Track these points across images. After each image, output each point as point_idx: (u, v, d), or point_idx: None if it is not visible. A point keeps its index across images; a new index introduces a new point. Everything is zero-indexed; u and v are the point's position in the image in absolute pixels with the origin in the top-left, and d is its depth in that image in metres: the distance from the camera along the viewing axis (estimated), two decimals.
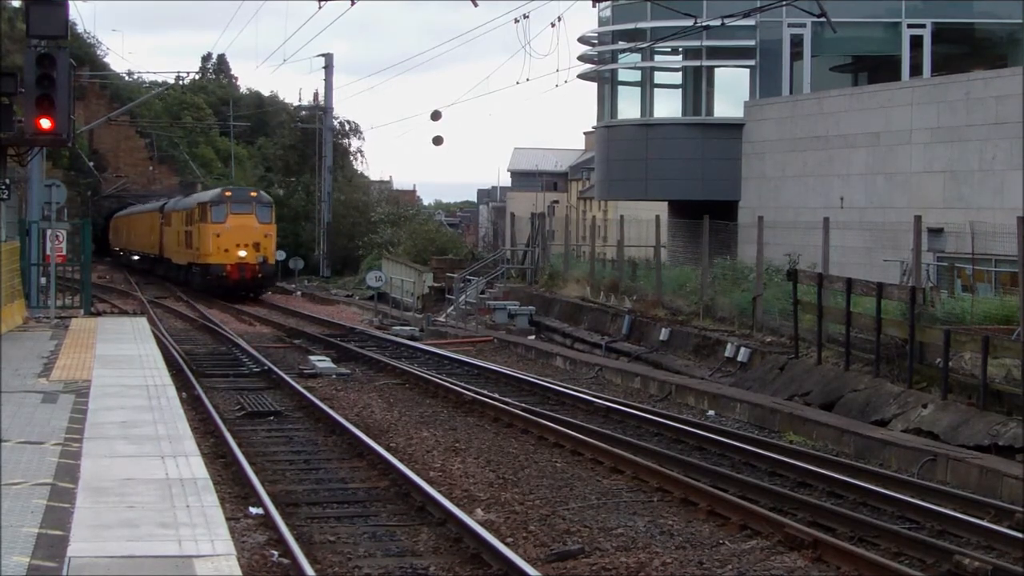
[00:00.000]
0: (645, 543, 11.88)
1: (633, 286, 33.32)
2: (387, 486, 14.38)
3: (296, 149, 78.17)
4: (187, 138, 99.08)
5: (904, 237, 25.94)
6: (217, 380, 23.67)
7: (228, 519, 10.09)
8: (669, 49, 43.23)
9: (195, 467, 11.18)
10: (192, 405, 19.50)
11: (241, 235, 48.04)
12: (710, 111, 42.53)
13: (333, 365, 24.97)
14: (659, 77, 44.90)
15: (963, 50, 41.32)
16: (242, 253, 47.61)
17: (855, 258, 30.91)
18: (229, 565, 8.03)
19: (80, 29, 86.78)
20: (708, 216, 30.43)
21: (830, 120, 36.65)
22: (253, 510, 12.72)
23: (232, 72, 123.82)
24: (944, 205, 31.40)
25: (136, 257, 72.10)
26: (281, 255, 57.80)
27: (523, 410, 19.14)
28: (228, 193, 49.93)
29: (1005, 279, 24.89)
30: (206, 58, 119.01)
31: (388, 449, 16.32)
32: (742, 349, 24.31)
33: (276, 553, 11.10)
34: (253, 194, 50.49)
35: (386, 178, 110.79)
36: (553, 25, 30.01)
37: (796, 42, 40.89)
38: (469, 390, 21.32)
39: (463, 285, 40.95)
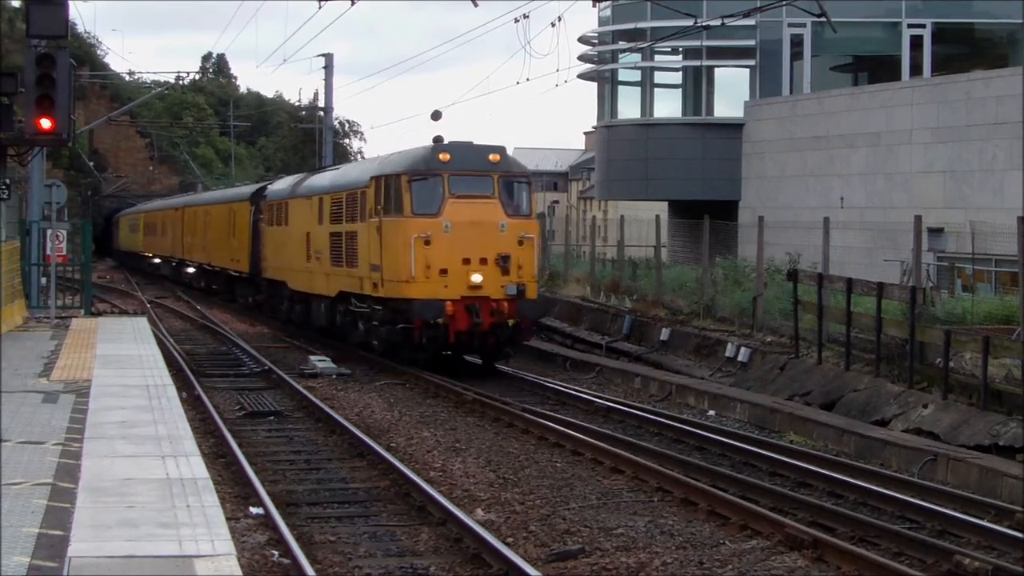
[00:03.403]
0: (645, 543, 11.87)
1: (633, 286, 33.32)
2: (387, 486, 14.37)
3: (296, 149, 78.10)
4: (187, 138, 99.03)
5: (904, 237, 25.95)
6: (217, 380, 23.66)
7: (228, 519, 10.10)
8: (669, 49, 43.27)
9: (195, 467, 11.18)
10: (192, 405, 19.49)
11: (474, 242, 23.56)
12: (710, 111, 42.55)
13: (333, 365, 24.97)
14: (659, 77, 44.92)
15: (963, 50, 41.34)
16: (476, 278, 23.31)
17: (855, 258, 30.92)
18: (229, 565, 8.03)
19: (80, 29, 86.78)
20: (708, 216, 30.44)
21: (830, 120, 36.66)
22: (253, 510, 12.71)
23: (232, 72, 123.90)
24: (944, 205, 31.42)
25: (191, 269, 50.47)
26: None
27: (523, 410, 19.12)
28: (444, 156, 23.79)
29: (1005, 279, 24.91)
30: (206, 58, 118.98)
31: (388, 449, 16.32)
32: (742, 349, 24.31)
33: (276, 553, 11.10)
34: (494, 158, 24.09)
35: None
36: (553, 25, 29.99)
37: (796, 42, 40.92)
38: (469, 390, 21.32)
39: None
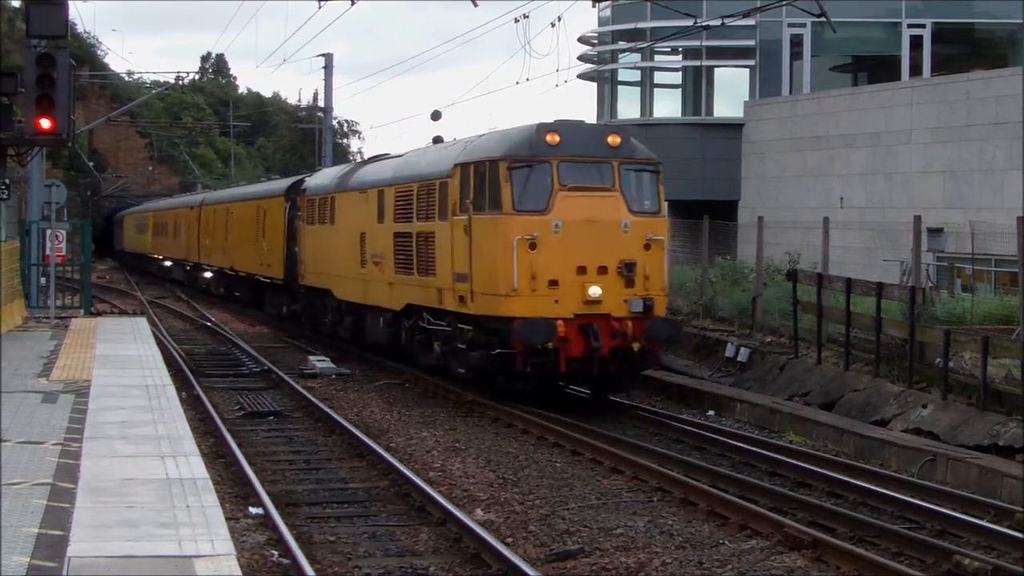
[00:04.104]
0: (645, 543, 11.87)
1: None
2: (387, 486, 14.38)
3: (295, 149, 78.12)
4: (187, 138, 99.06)
5: (904, 237, 25.95)
6: (217, 380, 23.66)
7: (228, 519, 10.10)
8: (669, 49, 43.28)
9: (195, 467, 11.19)
10: (192, 405, 19.50)
11: (591, 245, 19.15)
12: (710, 111, 42.58)
13: (333, 365, 24.96)
14: (659, 77, 44.94)
15: (963, 50, 41.35)
16: (594, 291, 19.05)
17: (855, 258, 30.93)
18: (229, 565, 8.03)
19: (80, 29, 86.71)
20: (708, 216, 30.44)
21: (830, 120, 36.66)
22: (253, 510, 12.72)
23: (231, 72, 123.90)
24: (944, 205, 31.42)
25: (209, 274, 46.47)
26: None
27: (522, 410, 19.11)
28: (553, 138, 19.32)
29: (1005, 279, 24.90)
30: (205, 58, 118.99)
31: (388, 449, 16.32)
32: (742, 349, 24.31)
33: (276, 553, 11.10)
34: (613, 140, 19.67)
35: None
36: (553, 25, 29.92)
37: (796, 42, 40.93)
38: (468, 390, 21.30)
39: None
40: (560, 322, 18.56)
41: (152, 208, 64.78)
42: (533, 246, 18.70)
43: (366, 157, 33.53)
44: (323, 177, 30.64)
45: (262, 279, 36.16)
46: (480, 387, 20.40)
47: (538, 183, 19.00)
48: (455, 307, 20.20)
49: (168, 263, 56.78)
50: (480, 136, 21.17)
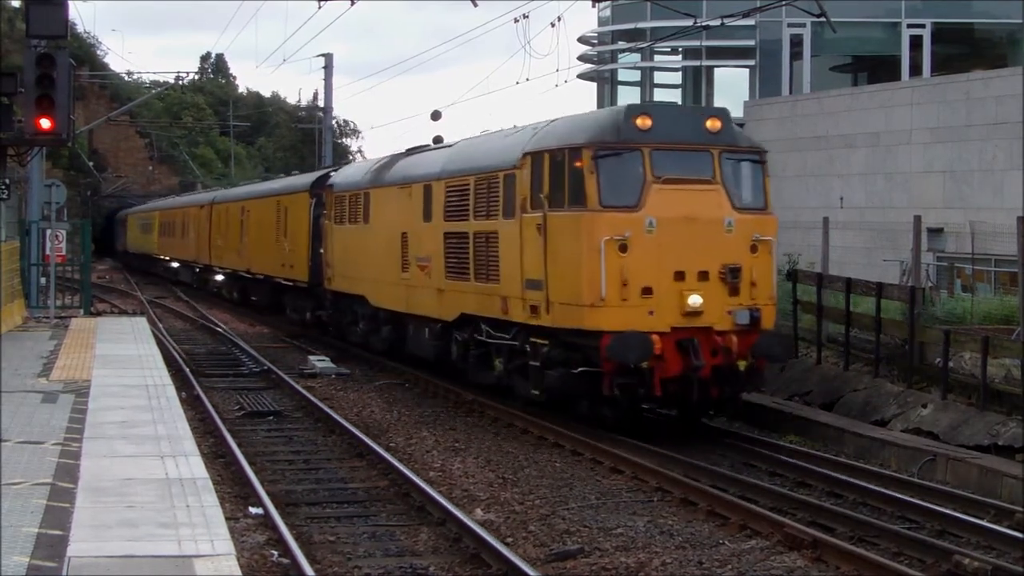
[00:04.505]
0: (645, 543, 11.88)
1: None
2: (387, 486, 14.38)
3: (295, 149, 78.10)
4: (187, 138, 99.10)
5: (904, 237, 25.95)
6: (217, 380, 23.67)
7: (228, 519, 10.11)
8: (669, 49, 43.30)
9: (195, 467, 11.20)
10: (192, 405, 19.50)
11: (690, 247, 16.68)
12: None
13: (333, 365, 24.96)
14: (659, 77, 44.97)
15: (963, 50, 41.39)
16: (694, 300, 16.57)
17: (855, 258, 30.92)
18: (229, 565, 8.04)
19: (80, 29, 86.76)
20: None
21: (830, 120, 36.66)
22: (253, 510, 12.72)
23: (231, 72, 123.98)
24: (944, 205, 31.41)
25: (221, 276, 44.12)
26: None
27: (523, 410, 19.09)
28: (644, 121, 16.72)
29: (1005, 279, 24.91)
30: (204, 58, 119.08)
31: (388, 449, 16.32)
32: None
33: (276, 553, 11.10)
34: (713, 124, 17.16)
35: None
36: (553, 25, 29.90)
37: (796, 42, 40.97)
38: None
39: None
40: (655, 337, 16.05)
41: (158, 207, 62.39)
42: (624, 248, 16.20)
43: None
44: (353, 171, 28.12)
45: (283, 282, 33.59)
46: (553, 411, 18.04)
47: (628, 174, 16.48)
48: (525, 318, 17.67)
49: (175, 264, 54.42)
50: (551, 122, 18.69)
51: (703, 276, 16.56)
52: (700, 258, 16.56)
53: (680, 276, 16.46)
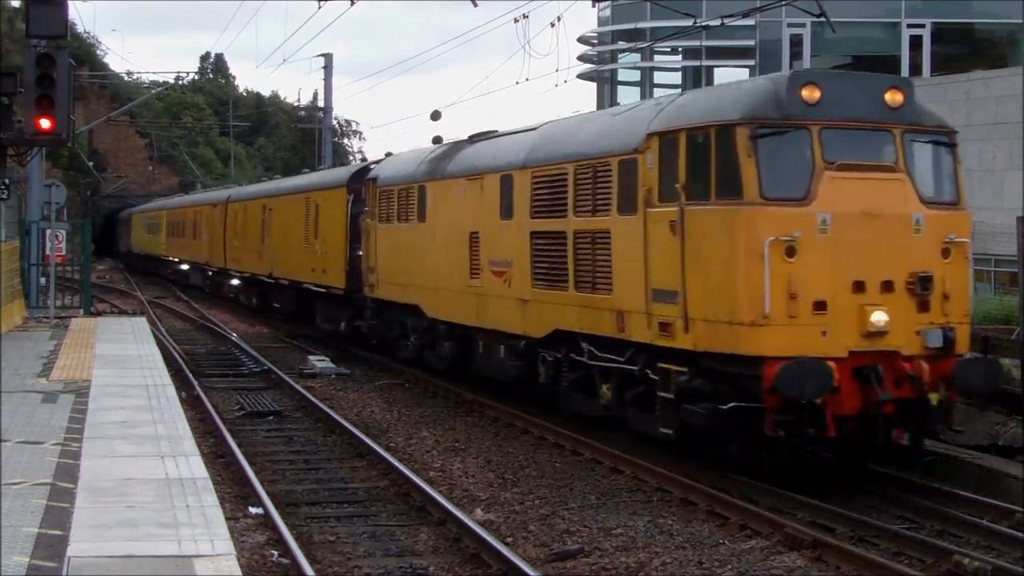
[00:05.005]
0: (645, 543, 11.87)
1: None
2: (387, 486, 14.38)
3: (296, 149, 78.11)
4: (186, 138, 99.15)
5: None
6: (217, 380, 23.67)
7: (228, 519, 10.11)
8: (669, 49, 43.31)
9: (195, 467, 11.20)
10: (192, 405, 19.50)
11: (871, 250, 13.34)
12: None
13: (333, 365, 24.96)
14: (659, 77, 45.00)
15: (963, 50, 41.39)
16: (878, 317, 13.17)
17: None
18: (229, 565, 8.04)
19: (80, 29, 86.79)
20: None
21: None
22: (253, 510, 12.72)
23: (231, 72, 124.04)
24: None
25: (237, 281, 41.22)
26: None
27: (523, 410, 19.09)
28: (812, 92, 13.38)
29: (1004, 279, 24.91)
30: (204, 57, 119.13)
31: (388, 449, 16.32)
32: None
33: (276, 553, 11.10)
34: (893, 98, 13.82)
35: None
36: (553, 25, 29.90)
37: (796, 42, 40.98)
38: (468, 390, 21.30)
39: None
40: (833, 364, 12.85)
41: (166, 205, 59.12)
42: (791, 252, 13.04)
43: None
44: (402, 162, 24.58)
45: (314, 288, 30.19)
46: (684, 452, 14.92)
47: (794, 159, 13.36)
48: (650, 338, 14.49)
49: (185, 267, 51.57)
50: (679, 95, 15.69)
51: (887, 287, 13.35)
52: (883, 265, 13.36)
53: (859, 287, 13.22)
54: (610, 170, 15.49)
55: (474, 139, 21.45)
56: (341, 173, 30.42)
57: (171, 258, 55.15)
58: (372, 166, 26.95)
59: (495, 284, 18.97)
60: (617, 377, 15.65)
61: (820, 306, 13.11)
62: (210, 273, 45.51)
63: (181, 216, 52.13)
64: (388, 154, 27.81)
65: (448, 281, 20.86)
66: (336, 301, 28.58)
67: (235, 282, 41.25)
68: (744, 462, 13.95)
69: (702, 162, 13.71)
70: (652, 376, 14.63)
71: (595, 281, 15.89)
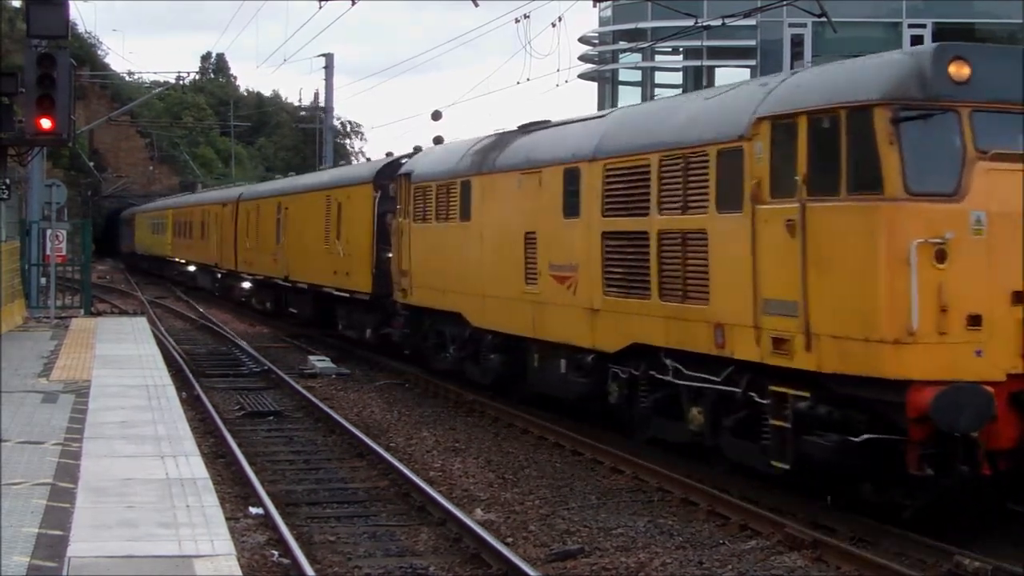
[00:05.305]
0: (645, 543, 11.87)
1: None
2: (387, 486, 14.38)
3: (297, 150, 78.13)
4: (187, 138, 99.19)
5: None
6: (217, 380, 23.67)
7: (228, 519, 10.11)
8: (670, 49, 43.31)
9: (195, 467, 11.20)
10: (192, 405, 19.51)
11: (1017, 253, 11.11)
12: None
13: (333, 365, 24.96)
14: (660, 77, 44.99)
15: None
16: None
17: None
18: (229, 565, 8.04)
19: (81, 29, 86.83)
20: None
21: None
22: (253, 510, 12.73)
23: (231, 72, 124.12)
24: None
25: (248, 284, 39.68)
26: None
27: (523, 410, 19.08)
28: (961, 69, 11.17)
29: None
30: (205, 58, 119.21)
31: (388, 449, 16.32)
32: None
33: (276, 553, 11.11)
34: None
35: None
36: (554, 25, 29.89)
37: (796, 42, 40.94)
38: (467, 390, 21.29)
39: None
40: (991, 390, 10.90)
41: (172, 204, 56.83)
42: (941, 256, 11.07)
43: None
44: (440, 156, 22.34)
45: (336, 293, 28.34)
46: (807, 491, 12.89)
47: (941, 147, 11.32)
48: (761, 356, 12.49)
49: (192, 268, 49.55)
50: (791, 74, 13.52)
51: None
52: None
53: (1019, 298, 11.22)
54: (706, 161, 13.47)
55: (527, 128, 19.31)
56: (367, 169, 28.68)
57: (177, 259, 53.26)
58: (404, 160, 24.63)
59: (556, 291, 16.95)
60: (711, 399, 13.67)
61: (975, 321, 11.15)
62: (219, 275, 43.72)
63: (188, 215, 50.23)
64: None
65: (497, 287, 18.86)
66: (360, 306, 26.87)
67: (247, 285, 39.54)
68: (878, 503, 11.99)
69: (829, 151, 11.69)
70: (759, 400, 12.73)
71: (686, 289, 13.87)
